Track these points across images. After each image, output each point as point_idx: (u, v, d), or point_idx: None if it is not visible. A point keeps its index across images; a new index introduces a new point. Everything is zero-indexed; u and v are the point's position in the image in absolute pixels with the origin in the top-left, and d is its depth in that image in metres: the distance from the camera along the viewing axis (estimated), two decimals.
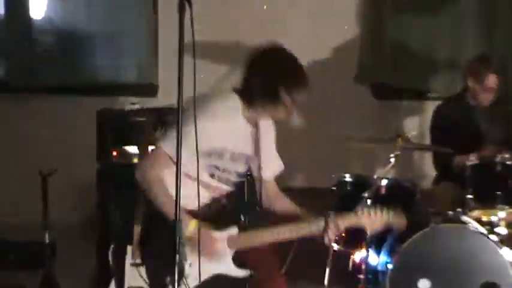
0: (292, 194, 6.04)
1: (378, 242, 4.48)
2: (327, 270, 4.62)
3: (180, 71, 3.12)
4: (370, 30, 6.49)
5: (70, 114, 6.24)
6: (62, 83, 6.44)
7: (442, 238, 4.33)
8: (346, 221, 3.56)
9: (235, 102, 3.56)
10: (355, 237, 4.48)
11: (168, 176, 3.41)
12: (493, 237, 4.37)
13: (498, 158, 4.54)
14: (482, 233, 4.33)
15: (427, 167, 5.64)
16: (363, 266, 4.47)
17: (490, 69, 4.97)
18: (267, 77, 3.53)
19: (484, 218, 4.50)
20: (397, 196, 4.61)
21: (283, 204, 3.82)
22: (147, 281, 3.50)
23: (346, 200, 4.64)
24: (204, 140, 3.32)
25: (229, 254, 3.55)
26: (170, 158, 3.45)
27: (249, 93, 3.54)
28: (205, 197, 3.55)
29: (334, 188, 4.77)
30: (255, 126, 3.62)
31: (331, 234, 3.52)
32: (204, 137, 3.32)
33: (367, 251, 4.46)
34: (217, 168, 3.59)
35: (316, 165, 6.24)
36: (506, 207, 4.49)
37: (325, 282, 4.62)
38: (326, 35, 6.41)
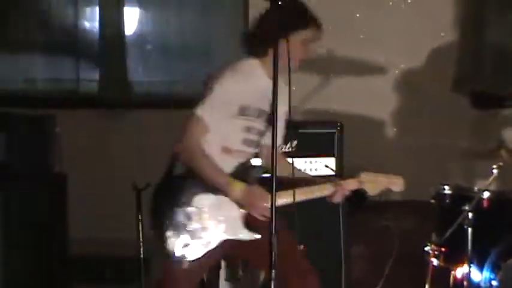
0: (390, 206, 5.95)
1: (480, 257, 4.32)
2: (427, 287, 4.49)
3: (274, 85, 3.08)
4: (469, 35, 6.30)
5: (164, 127, 6.26)
6: (155, 96, 6.52)
7: None
8: (350, 185, 3.70)
9: (254, 61, 3.63)
10: (455, 252, 4.35)
11: (205, 146, 3.53)
12: None
13: None
14: None
15: None
16: (465, 283, 4.30)
17: None
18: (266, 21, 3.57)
19: None
20: (501, 209, 4.45)
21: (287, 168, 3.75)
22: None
23: (446, 213, 4.50)
24: (235, 99, 3.51)
25: (240, 216, 3.58)
26: (206, 125, 3.51)
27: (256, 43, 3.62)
28: (234, 165, 3.63)
29: (433, 201, 4.63)
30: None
31: (339, 196, 3.68)
32: (234, 96, 3.49)
33: (469, 267, 4.29)
34: (249, 130, 3.62)
35: (414, 178, 6.07)
36: None
37: None
38: (421, 43, 6.27)
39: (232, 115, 3.54)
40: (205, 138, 3.54)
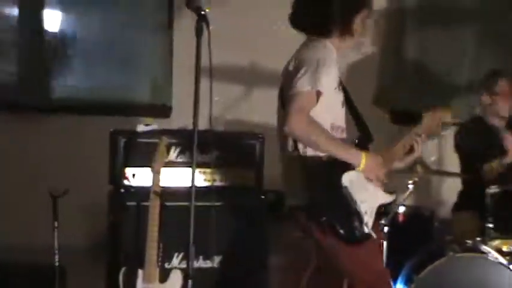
0: None
1: (394, 270, 4.39)
2: None
3: (196, 93, 3.08)
4: (389, 51, 6.42)
5: (82, 134, 6.20)
6: (75, 103, 6.43)
7: (460, 268, 4.24)
8: (427, 123, 3.83)
9: (325, 40, 3.70)
10: None
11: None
12: None
13: None
14: (502, 264, 4.23)
15: (446, 194, 5.56)
16: None
17: (500, 76, 5.00)
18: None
19: (505, 248, 4.40)
20: (415, 224, 4.54)
21: None
22: None
23: None
24: (335, 75, 3.57)
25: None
26: (314, 99, 3.45)
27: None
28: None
29: None
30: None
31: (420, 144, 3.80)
32: (335, 74, 3.56)
33: None
34: (343, 104, 3.67)
35: None
36: None
37: None
38: (343, 57, 6.34)
39: (334, 90, 3.58)
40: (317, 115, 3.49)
